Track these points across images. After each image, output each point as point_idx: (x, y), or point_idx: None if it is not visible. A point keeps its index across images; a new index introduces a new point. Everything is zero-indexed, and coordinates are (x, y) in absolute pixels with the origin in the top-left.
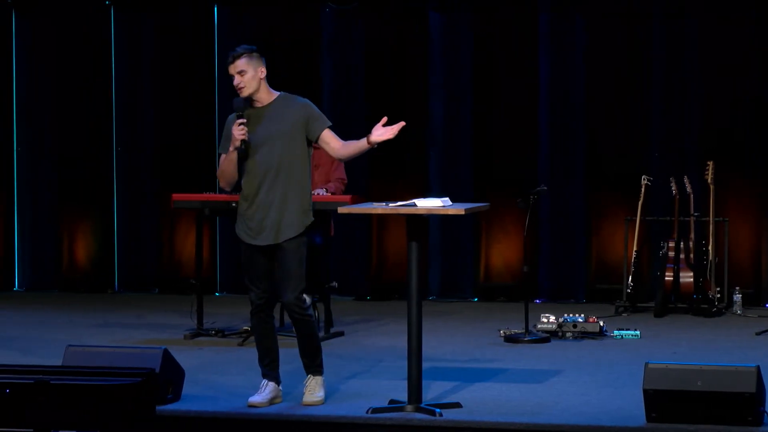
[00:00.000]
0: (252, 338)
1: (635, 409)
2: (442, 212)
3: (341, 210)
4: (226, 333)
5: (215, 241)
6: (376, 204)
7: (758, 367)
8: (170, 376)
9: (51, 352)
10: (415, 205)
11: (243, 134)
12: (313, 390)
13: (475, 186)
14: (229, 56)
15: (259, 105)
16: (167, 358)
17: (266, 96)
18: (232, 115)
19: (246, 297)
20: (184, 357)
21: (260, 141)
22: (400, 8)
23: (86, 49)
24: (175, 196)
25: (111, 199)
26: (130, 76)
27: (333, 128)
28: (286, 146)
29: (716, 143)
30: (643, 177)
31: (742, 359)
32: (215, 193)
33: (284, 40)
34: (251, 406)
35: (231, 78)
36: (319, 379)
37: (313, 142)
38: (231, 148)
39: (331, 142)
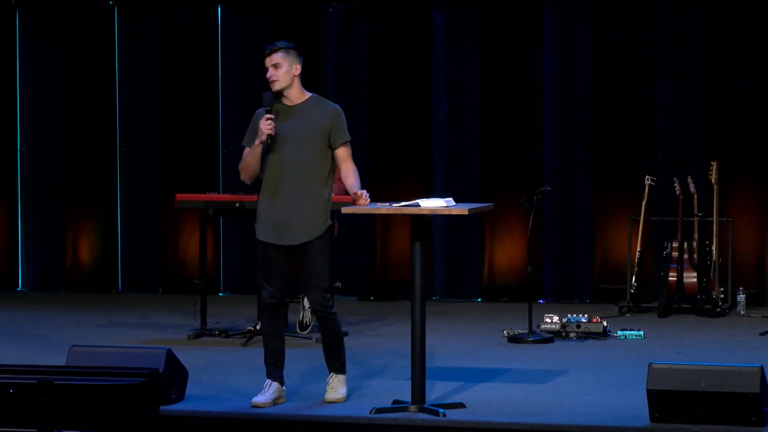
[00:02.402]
0: (255, 338)
1: (639, 410)
2: (445, 212)
3: (345, 210)
4: (229, 333)
5: (219, 241)
6: (379, 204)
7: (762, 368)
8: (174, 376)
9: (54, 352)
10: (418, 205)
11: (270, 129)
12: (336, 387)
13: (478, 186)
14: (267, 48)
15: (288, 103)
16: (171, 358)
17: (297, 95)
18: (261, 110)
19: (250, 297)
20: (187, 357)
21: (285, 139)
22: (403, 8)
23: (90, 48)
24: (179, 196)
25: (114, 199)
26: (134, 76)
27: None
28: (310, 147)
29: (720, 143)
30: (646, 177)
31: (746, 359)
32: (219, 193)
33: (287, 40)
34: (255, 406)
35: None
36: (341, 377)
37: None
38: (257, 142)
39: (341, 163)
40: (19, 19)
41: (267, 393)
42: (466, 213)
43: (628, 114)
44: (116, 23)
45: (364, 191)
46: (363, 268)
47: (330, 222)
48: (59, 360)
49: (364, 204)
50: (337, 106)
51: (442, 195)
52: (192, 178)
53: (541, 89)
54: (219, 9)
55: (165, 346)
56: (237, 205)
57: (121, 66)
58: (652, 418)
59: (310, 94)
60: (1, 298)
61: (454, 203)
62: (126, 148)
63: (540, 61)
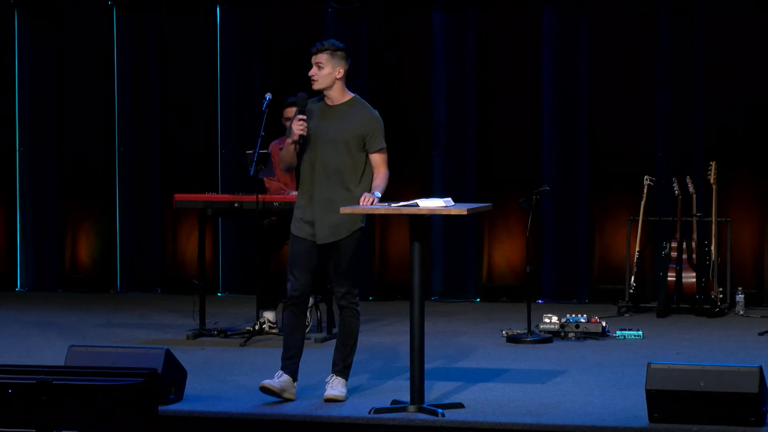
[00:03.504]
0: (254, 339)
1: (638, 410)
2: (444, 212)
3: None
4: (228, 333)
5: (218, 242)
6: (378, 204)
7: (761, 368)
8: (172, 376)
9: (53, 352)
10: (417, 205)
11: (302, 130)
12: (335, 386)
13: (477, 186)
14: (314, 46)
15: (329, 102)
16: (169, 358)
17: (339, 96)
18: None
19: (249, 297)
20: (186, 357)
21: (323, 138)
22: (403, 8)
23: (88, 49)
24: (177, 196)
25: (114, 199)
26: (133, 76)
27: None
28: (344, 149)
29: (719, 143)
30: (645, 177)
31: (745, 359)
32: (218, 193)
33: (287, 41)
34: (262, 387)
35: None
36: (342, 380)
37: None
38: (289, 141)
39: (374, 168)
40: (18, 19)
41: (278, 379)
42: (465, 213)
43: (627, 114)
44: (115, 23)
45: (373, 195)
46: (362, 268)
47: (362, 224)
48: (58, 360)
49: (365, 204)
50: (376, 112)
51: (441, 195)
52: (191, 178)
53: (541, 89)
54: (218, 9)
55: (164, 346)
56: (236, 205)
57: (120, 66)
58: (651, 418)
59: (352, 95)
60: (0, 297)
61: (453, 203)
62: (125, 148)
63: (540, 61)
